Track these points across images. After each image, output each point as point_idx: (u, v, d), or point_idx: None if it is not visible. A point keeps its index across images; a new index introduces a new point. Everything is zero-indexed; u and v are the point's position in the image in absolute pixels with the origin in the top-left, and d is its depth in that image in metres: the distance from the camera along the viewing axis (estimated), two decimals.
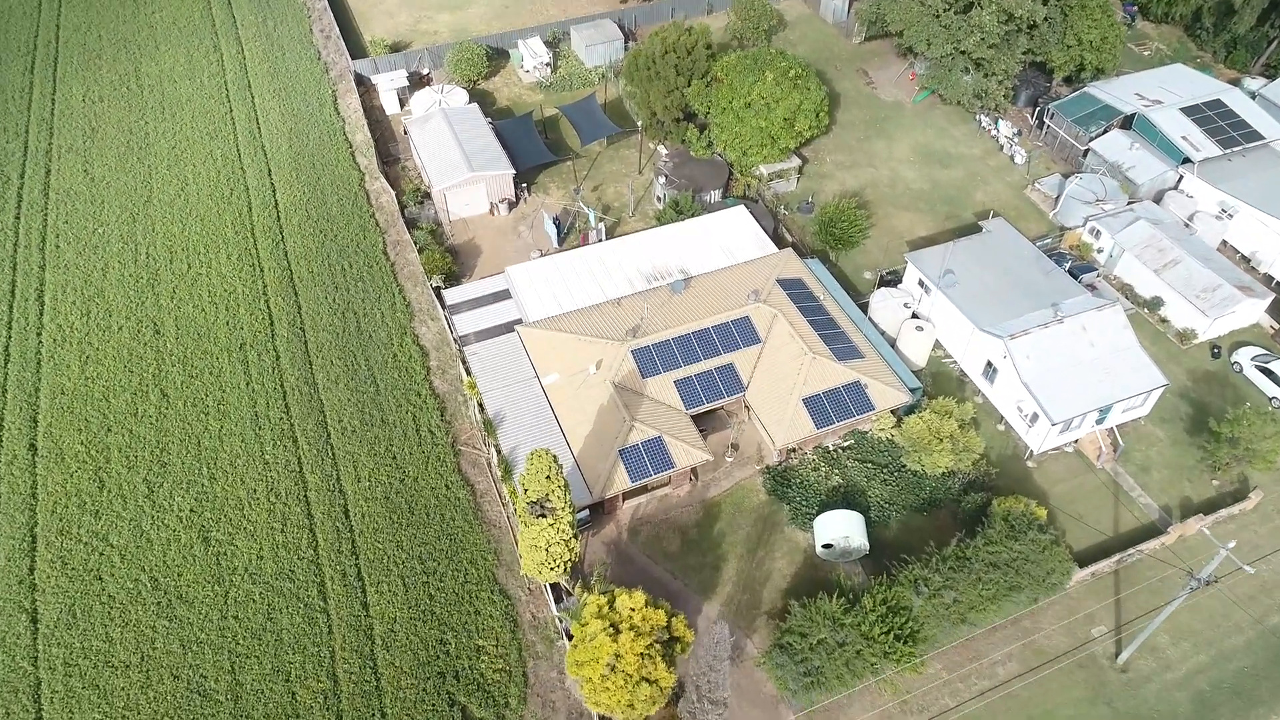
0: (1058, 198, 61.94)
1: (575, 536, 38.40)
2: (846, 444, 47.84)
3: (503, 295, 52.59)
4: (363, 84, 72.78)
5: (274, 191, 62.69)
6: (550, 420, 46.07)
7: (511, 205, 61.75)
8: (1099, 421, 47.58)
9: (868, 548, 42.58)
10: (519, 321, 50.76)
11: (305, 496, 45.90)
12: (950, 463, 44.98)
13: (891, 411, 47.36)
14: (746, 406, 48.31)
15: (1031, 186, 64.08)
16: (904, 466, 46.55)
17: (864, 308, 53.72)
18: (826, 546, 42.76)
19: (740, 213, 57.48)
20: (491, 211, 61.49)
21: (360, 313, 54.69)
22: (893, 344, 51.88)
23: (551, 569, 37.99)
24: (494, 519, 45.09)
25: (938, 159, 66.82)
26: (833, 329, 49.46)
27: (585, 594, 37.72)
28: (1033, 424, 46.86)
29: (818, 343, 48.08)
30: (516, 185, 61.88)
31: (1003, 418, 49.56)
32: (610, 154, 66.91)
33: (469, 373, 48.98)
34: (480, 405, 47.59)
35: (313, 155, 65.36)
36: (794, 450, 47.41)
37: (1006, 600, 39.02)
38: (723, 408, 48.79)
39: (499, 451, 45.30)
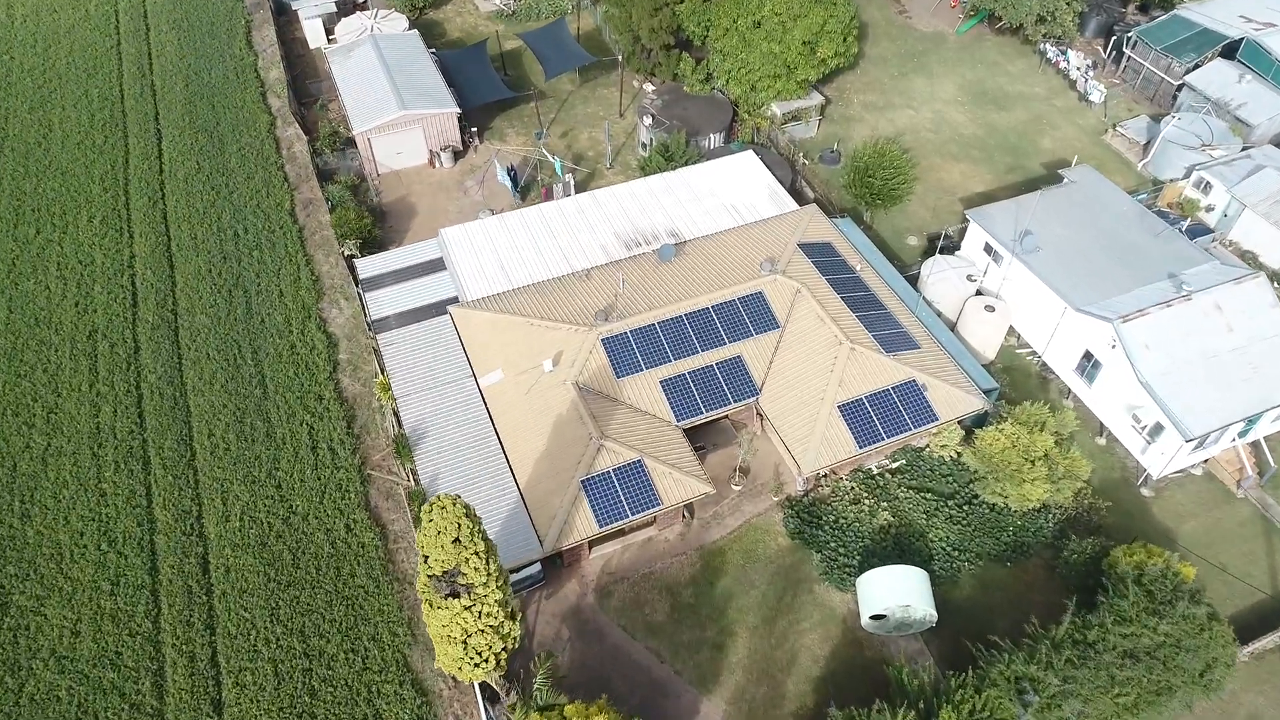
0: (1148, 144, 49.06)
1: (512, 616, 25.78)
2: (895, 465, 35.13)
3: (434, 266, 39.68)
4: (284, 13, 59.80)
5: (159, 140, 49.76)
6: (488, 437, 33.30)
7: (458, 155, 48.78)
8: (1241, 434, 34.88)
9: (935, 618, 29.94)
10: (454, 301, 37.90)
11: (151, 543, 33.15)
12: (1045, 494, 32.32)
13: (959, 423, 34.63)
14: (760, 415, 35.59)
15: (1112, 131, 51.13)
16: (977, 498, 33.89)
17: (912, 281, 40.90)
18: (877, 618, 30.11)
19: (749, 159, 44.52)
20: (432, 162, 48.51)
21: (253, 290, 41.83)
22: (951, 329, 39.13)
23: (475, 665, 25.33)
24: (410, 574, 32.39)
25: (992, 99, 53.86)
26: (876, 309, 36.65)
27: (520, 708, 25.12)
28: (1154, 438, 34.12)
29: (856, 328, 35.31)
30: (464, 130, 48.93)
31: (1103, 429, 36.84)
32: (584, 94, 53.88)
33: (383, 370, 36.14)
34: (396, 415, 34.81)
35: (213, 97, 52.37)
36: (825, 475, 34.76)
37: (1151, 709, 26.39)
38: (727, 417, 36.10)
39: (416, 481, 32.54)
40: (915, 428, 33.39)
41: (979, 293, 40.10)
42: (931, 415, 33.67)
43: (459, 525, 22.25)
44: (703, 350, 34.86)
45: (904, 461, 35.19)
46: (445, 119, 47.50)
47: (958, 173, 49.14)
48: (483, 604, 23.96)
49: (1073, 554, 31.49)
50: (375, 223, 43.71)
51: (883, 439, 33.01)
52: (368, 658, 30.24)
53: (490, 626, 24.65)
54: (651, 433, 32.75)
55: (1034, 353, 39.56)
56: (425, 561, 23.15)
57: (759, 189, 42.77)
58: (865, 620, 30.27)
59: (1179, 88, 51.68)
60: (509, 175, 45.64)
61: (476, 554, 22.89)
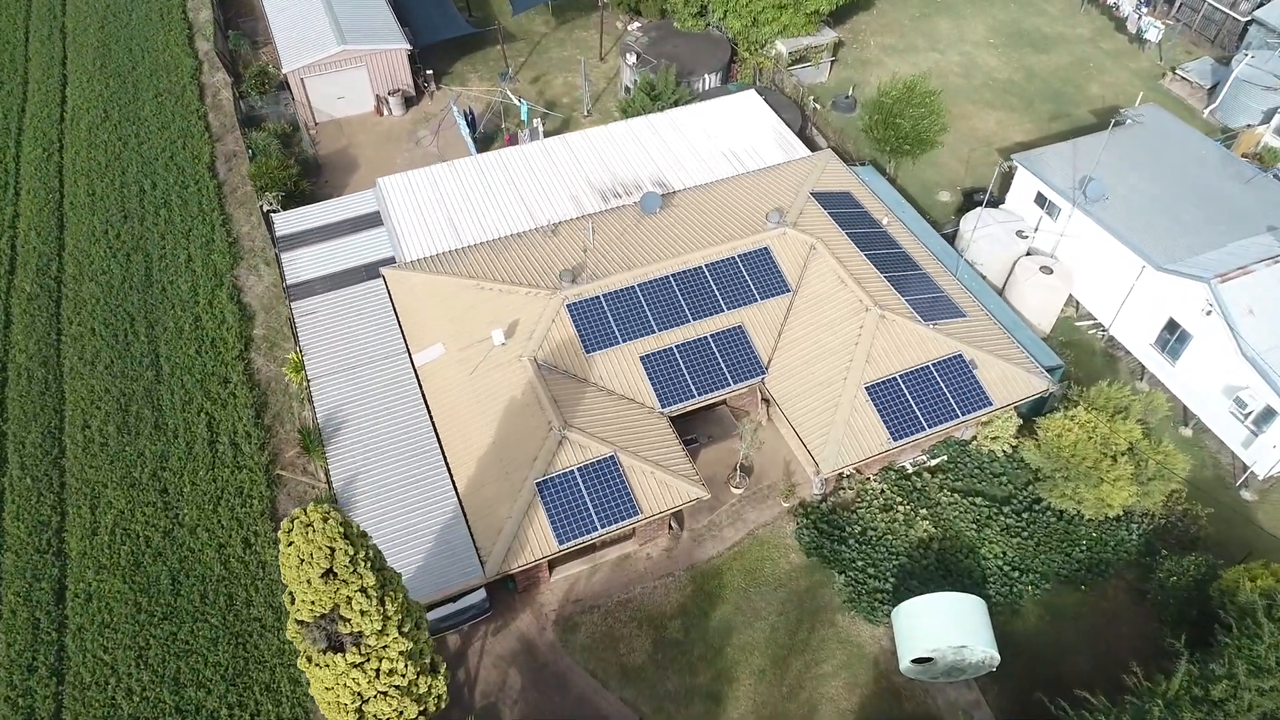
0: (1213, 89, 42.10)
1: (433, 669, 18.82)
2: (935, 462, 28.14)
3: (369, 221, 32.61)
4: None
5: (63, 85, 42.74)
6: (420, 428, 26.25)
7: (409, 102, 41.72)
8: None
9: (997, 660, 22.97)
10: (390, 262, 30.84)
11: None
12: (1130, 498, 25.36)
13: (1015, 410, 27.62)
14: (766, 400, 28.63)
15: (1171, 75, 44.11)
16: (1040, 503, 26.93)
17: (948, 240, 33.91)
18: (921, 661, 23.14)
19: (750, 99, 37.45)
20: (379, 110, 41.45)
21: (155, 254, 34.82)
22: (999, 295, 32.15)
23: None
24: None
25: (1029, 41, 46.84)
26: (909, 269, 29.65)
27: None
28: (1261, 427, 27.13)
29: (886, 291, 28.33)
30: (417, 73, 41.89)
31: (1189, 417, 29.86)
32: (559, 36, 46.83)
33: (298, 345, 29.08)
34: (310, 400, 27.77)
35: (131, 40, 45.37)
36: (848, 475, 27.78)
37: None
38: (725, 403, 29.14)
39: (329, 483, 25.52)
40: (963, 415, 26.38)
41: (1029, 254, 33.08)
42: (983, 399, 26.66)
43: (332, 551, 15.21)
44: (694, 319, 27.84)
45: (945, 458, 28.20)
46: (394, 58, 40.45)
47: (993, 121, 42.13)
48: (380, 657, 16.96)
49: (1170, 575, 24.48)
50: (303, 174, 36.59)
51: (923, 429, 26.01)
52: (259, 714, 23.22)
53: (395, 687, 17.66)
54: (629, 422, 25.74)
55: (1099, 325, 32.54)
56: (292, 602, 16.12)
57: (763, 132, 35.72)
58: (905, 664, 23.28)
59: (1246, 25, 44.67)
60: (465, 120, 38.59)
61: (363, 591, 15.86)
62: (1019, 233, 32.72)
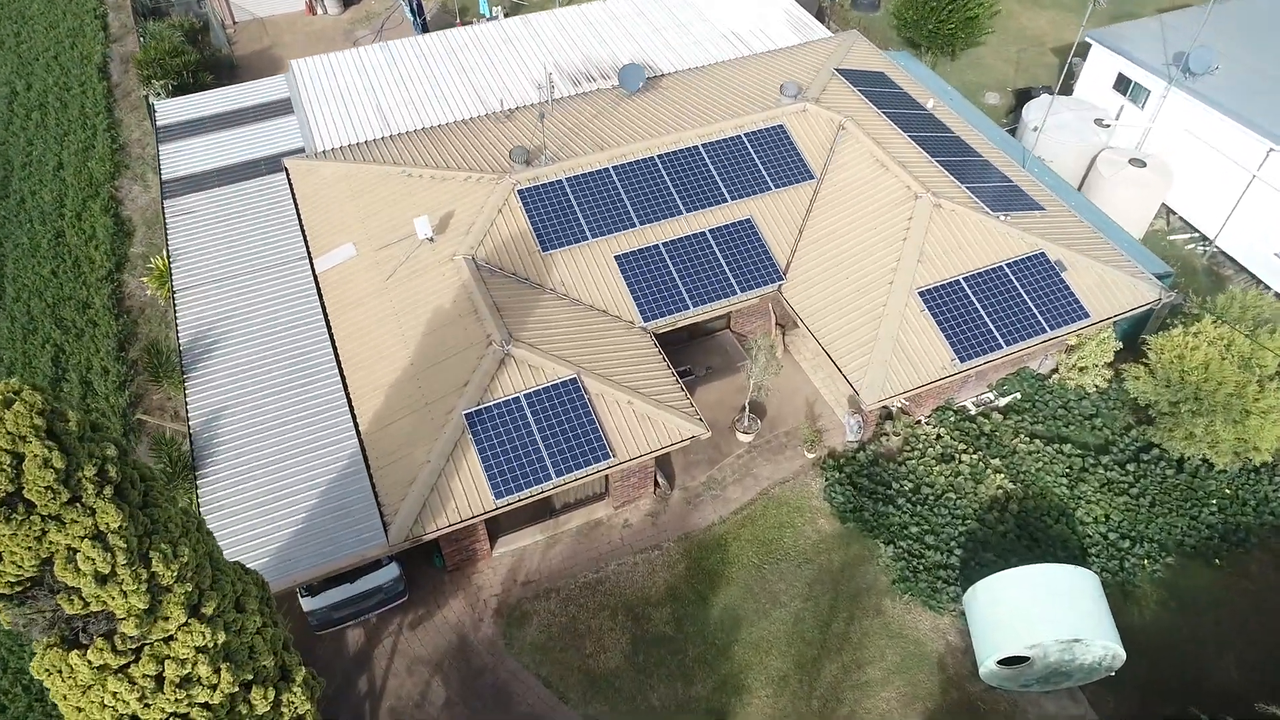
0: None
1: (286, 678, 11.97)
2: (1005, 400, 21.35)
3: (276, 109, 25.76)
4: None
5: None
6: (318, 348, 19.35)
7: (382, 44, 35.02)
8: None
9: (1121, 659, 16.11)
10: (300, 154, 23.98)
11: None
12: None
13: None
14: (780, 326, 21.85)
15: None
16: (1151, 450, 20.13)
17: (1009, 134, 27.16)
18: (1012, 662, 16.25)
19: None
20: (311, 6, 34.71)
21: (18, 161, 28.02)
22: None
23: None
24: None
25: None
26: (965, 154, 22.90)
27: None
28: None
29: (940, 176, 21.60)
30: None
31: None
32: None
33: (167, 251, 22.12)
34: (175, 318, 20.85)
35: None
36: (892, 416, 20.96)
37: None
38: (728, 323, 22.32)
39: (190, 431, 18.53)
40: (1052, 329, 19.54)
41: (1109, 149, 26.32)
42: (1077, 309, 19.82)
43: (18, 461, 8.31)
44: (688, 211, 21.03)
45: (1019, 395, 21.41)
46: None
47: (1044, 20, 35.46)
48: (160, 657, 10.09)
49: None
50: (210, 71, 29.71)
51: (999, 347, 19.16)
52: None
53: (201, 707, 10.78)
54: (599, 338, 18.90)
55: (1199, 238, 25.78)
56: None
57: (772, 12, 28.97)
58: (988, 667, 16.41)
59: None
60: (410, 9, 31.86)
61: (97, 537, 8.95)
62: (1098, 121, 25.94)
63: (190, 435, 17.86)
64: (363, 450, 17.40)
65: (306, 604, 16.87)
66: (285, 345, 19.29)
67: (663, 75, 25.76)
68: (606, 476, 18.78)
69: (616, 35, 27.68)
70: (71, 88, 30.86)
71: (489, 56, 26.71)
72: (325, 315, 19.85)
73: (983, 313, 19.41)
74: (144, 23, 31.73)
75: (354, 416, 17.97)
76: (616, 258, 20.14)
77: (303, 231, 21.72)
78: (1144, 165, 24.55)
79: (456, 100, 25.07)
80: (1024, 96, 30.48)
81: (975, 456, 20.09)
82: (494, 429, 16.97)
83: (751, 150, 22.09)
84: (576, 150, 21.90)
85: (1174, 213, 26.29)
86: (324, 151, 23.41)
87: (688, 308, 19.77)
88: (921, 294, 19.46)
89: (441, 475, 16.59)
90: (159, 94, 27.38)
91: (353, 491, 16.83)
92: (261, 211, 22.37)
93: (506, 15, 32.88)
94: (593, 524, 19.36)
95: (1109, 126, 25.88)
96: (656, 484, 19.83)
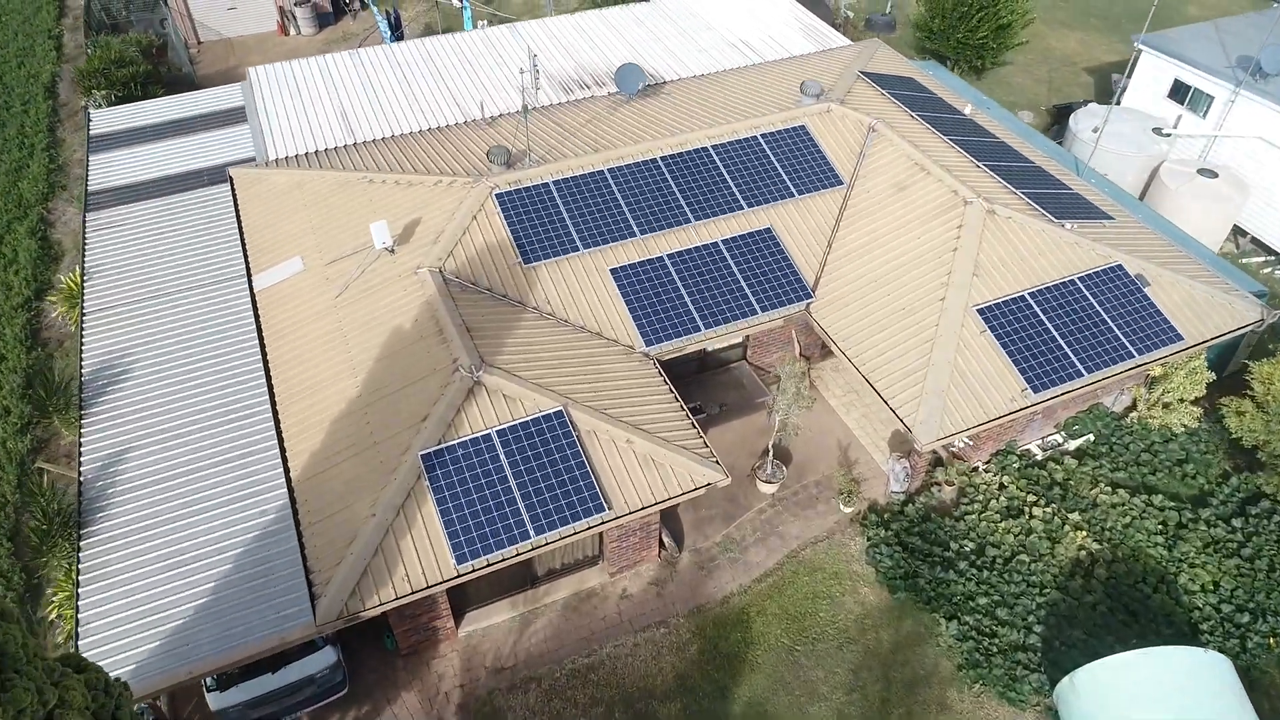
0: None
1: None
2: (1075, 443, 17.86)
3: (228, 118, 22.76)
4: None
5: None
6: (248, 377, 15.87)
7: (323, 17, 32.49)
8: None
9: None
10: (250, 163, 20.85)
11: None
12: None
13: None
14: (805, 357, 18.48)
15: None
16: (1261, 500, 16.58)
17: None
18: None
19: None
20: (284, 27, 32.18)
21: None
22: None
23: None
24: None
25: None
26: (1013, 159, 19.86)
27: None
28: None
29: (989, 181, 18.52)
30: None
31: None
32: None
33: (82, 268, 18.74)
34: (80, 344, 17.40)
35: None
36: (942, 462, 17.41)
37: None
38: (744, 346, 18.92)
39: (80, 478, 14.94)
40: (1140, 354, 16.18)
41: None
42: (1168, 331, 16.50)
43: None
44: (697, 218, 17.84)
45: (1090, 436, 17.96)
46: None
47: (1074, 41, 33.02)
48: None
49: None
50: (157, 79, 26.84)
51: (1078, 374, 15.77)
52: None
53: None
54: (592, 364, 15.50)
55: (1277, 260, 22.64)
56: None
57: (785, 22, 26.33)
58: None
59: None
60: (387, 23, 29.26)
61: None
62: (1157, 130, 23.02)
63: (80, 483, 14.29)
64: (293, 502, 13.83)
65: (214, 701, 13.12)
66: (209, 376, 15.85)
67: (665, 82, 22.92)
68: (600, 535, 15.20)
69: (612, 42, 24.93)
70: (14, 106, 28.02)
71: (470, 63, 23.88)
72: (261, 340, 16.45)
73: (1055, 334, 16.08)
74: (94, 35, 29.05)
75: (285, 461, 14.44)
76: (613, 271, 16.86)
77: (243, 246, 18.46)
78: (1215, 176, 21.52)
79: (432, 107, 22.13)
80: (1063, 114, 27.72)
81: (1049, 510, 16.53)
82: (458, 474, 13.44)
83: (770, 152, 19.02)
84: (566, 153, 18.84)
85: (1244, 233, 23.19)
86: (277, 160, 20.34)
87: (698, 329, 16.42)
88: (981, 312, 16.15)
89: (389, 533, 13.01)
90: (99, 104, 24.45)
91: (276, 555, 13.21)
92: (198, 225, 19.13)
93: (489, 22, 30.24)
94: (583, 595, 15.68)
95: (1169, 136, 22.95)
96: (662, 545, 16.22)
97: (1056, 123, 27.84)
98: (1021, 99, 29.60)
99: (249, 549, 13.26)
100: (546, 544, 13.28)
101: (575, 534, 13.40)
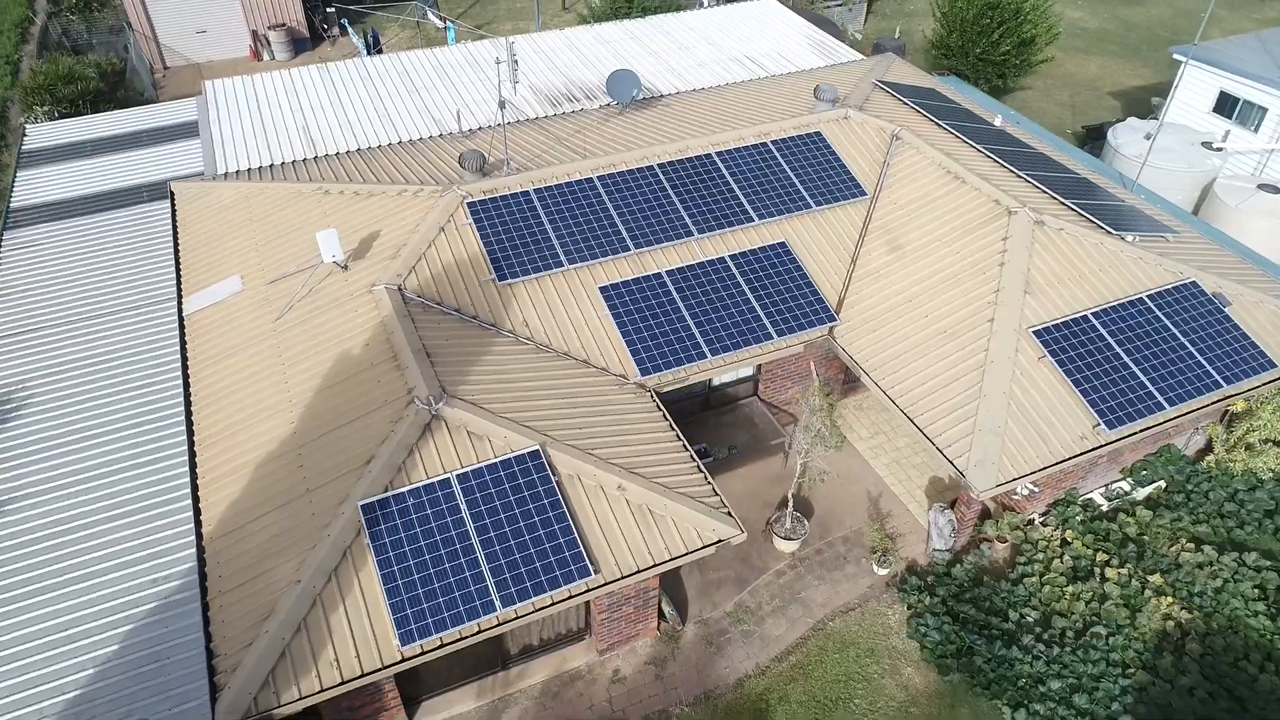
0: None
1: None
2: (1145, 491, 15.21)
3: (178, 133, 20.56)
4: None
5: None
6: (166, 414, 13.26)
7: (299, 42, 30.64)
8: None
9: None
10: (197, 178, 18.53)
11: None
12: None
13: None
14: (821, 386, 15.89)
15: None
16: None
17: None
18: None
19: (770, 7, 26.34)
20: (256, 52, 30.28)
21: None
22: None
23: None
24: None
25: None
26: (1055, 169, 17.62)
27: None
28: None
29: (1031, 190, 16.22)
30: (316, 7, 31.06)
31: None
32: None
33: None
34: None
35: None
36: (989, 514, 14.72)
37: None
38: (755, 381, 16.32)
39: None
40: (1228, 383, 13.65)
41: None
42: (1258, 357, 14.01)
43: None
44: (700, 232, 15.45)
45: (1161, 483, 15.34)
46: None
47: (1094, 67, 31.24)
48: None
49: None
50: (112, 100, 24.75)
51: (1160, 407, 13.22)
52: None
53: None
54: (575, 396, 12.94)
55: None
56: None
57: (793, 38, 24.41)
58: None
59: None
60: (365, 43, 27.36)
61: None
62: (1207, 145, 20.87)
63: None
64: (201, 565, 11.12)
65: None
66: (118, 412, 13.23)
67: (663, 95, 20.81)
68: (587, 605, 12.47)
69: (604, 56, 22.91)
70: None
71: (447, 76, 21.80)
72: (185, 371, 13.89)
73: (1128, 360, 13.58)
74: (48, 55, 27.06)
75: (198, 514, 11.76)
76: (603, 290, 14.41)
77: (177, 265, 16.02)
78: (1277, 191, 19.28)
79: (404, 119, 19.94)
80: (1093, 134, 25.69)
81: (1124, 571, 13.82)
82: (407, 529, 10.78)
83: (782, 161, 16.74)
84: (550, 160, 16.56)
85: None
86: (227, 174, 18.05)
87: (704, 356, 13.90)
88: (1038, 334, 13.67)
89: (317, 605, 10.30)
90: (38, 120, 22.28)
91: (174, 632, 10.46)
92: (128, 244, 16.71)
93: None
94: (566, 678, 12.85)
95: (1221, 150, 20.78)
96: (661, 616, 13.46)
97: (1086, 144, 25.79)
98: (1045, 123, 27.61)
99: (141, 625, 10.51)
100: (518, 617, 10.56)
101: (554, 604, 10.69)
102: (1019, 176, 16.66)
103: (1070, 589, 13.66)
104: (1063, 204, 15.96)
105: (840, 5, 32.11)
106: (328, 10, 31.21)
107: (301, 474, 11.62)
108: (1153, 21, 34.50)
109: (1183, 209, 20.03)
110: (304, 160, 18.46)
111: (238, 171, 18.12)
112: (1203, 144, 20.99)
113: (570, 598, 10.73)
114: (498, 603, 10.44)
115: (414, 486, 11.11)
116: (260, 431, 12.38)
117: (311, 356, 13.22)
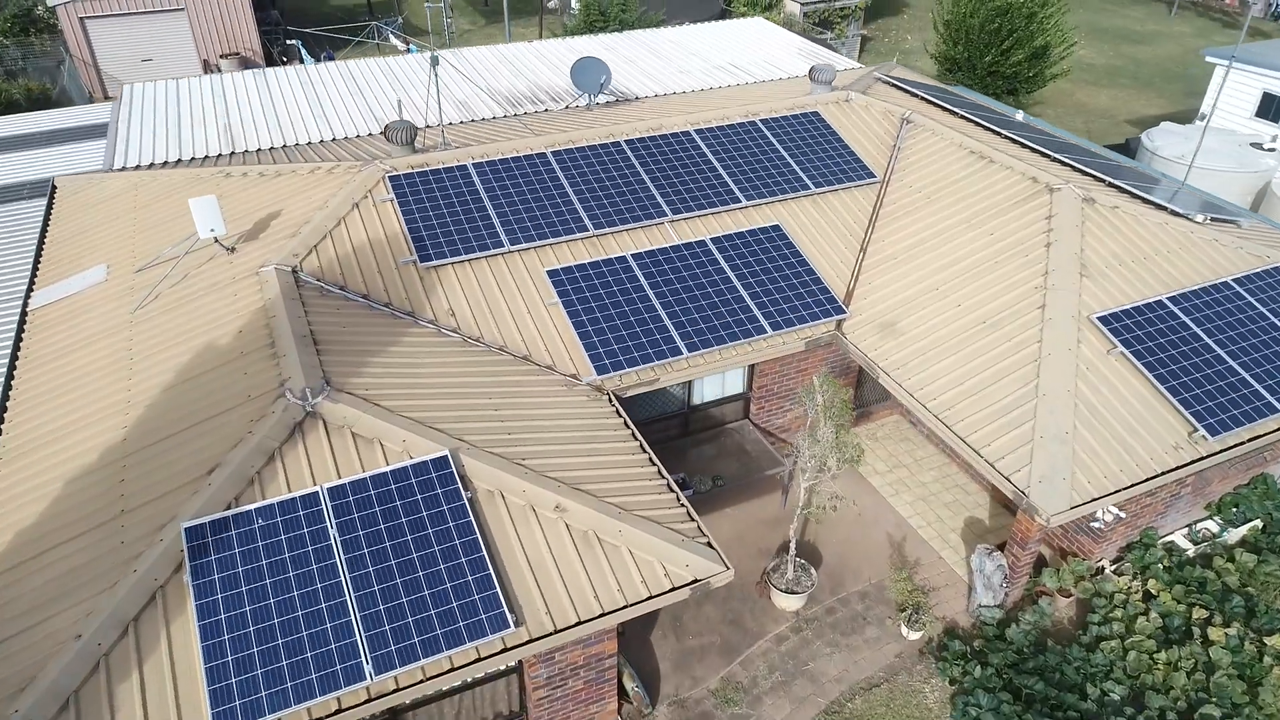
0: None
1: None
2: (1239, 532, 12.00)
3: (82, 134, 18.06)
4: None
5: None
6: None
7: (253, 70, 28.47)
8: None
9: None
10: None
11: None
12: None
13: None
14: (831, 385, 12.83)
15: None
16: None
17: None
18: None
19: (758, 24, 24.30)
20: None
21: None
22: None
23: None
24: None
25: (1118, 36, 35.44)
26: (1093, 155, 15.04)
27: None
28: None
29: (1069, 171, 13.51)
30: (273, 35, 29.13)
31: None
32: (489, 32, 34.90)
33: None
34: None
35: None
36: (1045, 562, 11.47)
37: None
38: (745, 399, 13.22)
39: None
40: None
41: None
42: None
43: None
44: (675, 214, 12.65)
45: (1258, 522, 12.16)
46: (231, 2, 27.69)
47: (1106, 98, 29.25)
48: None
49: None
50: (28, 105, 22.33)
51: (1272, 409, 10.17)
52: None
53: None
54: (509, 396, 9.88)
55: None
56: None
57: (782, 48, 22.23)
58: None
59: None
60: (315, 60, 25.18)
61: None
62: (1257, 145, 18.40)
63: None
64: None
65: None
66: None
67: (637, 98, 18.39)
68: (519, 677, 9.12)
69: (573, 62, 20.60)
70: None
71: (400, 83, 19.42)
72: (10, 373, 10.84)
73: (1222, 354, 10.61)
74: None
75: None
76: (552, 274, 11.50)
77: (36, 259, 13.13)
78: None
79: (341, 117, 17.41)
80: (1120, 149, 23.35)
81: (1231, 632, 10.54)
82: (248, 561, 7.57)
83: (774, 140, 14.10)
84: (496, 139, 13.91)
85: None
86: (125, 168, 15.36)
87: (679, 353, 10.89)
88: (1104, 321, 10.73)
89: (101, 670, 7.01)
90: None
91: None
92: None
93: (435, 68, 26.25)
94: None
95: (1273, 149, 18.29)
96: (623, 693, 10.06)
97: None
98: None
99: None
100: (398, 689, 7.26)
101: (454, 669, 7.41)
102: (1053, 159, 14.01)
103: (1163, 655, 10.35)
104: (1110, 184, 13.26)
105: (834, 38, 30.29)
106: (288, 42, 29.25)
107: (120, 490, 8.46)
108: (1162, 58, 32.80)
109: (1244, 208, 17.44)
110: (220, 155, 15.83)
111: (137, 166, 15.45)
112: (1252, 145, 18.56)
113: (478, 659, 7.45)
114: (369, 668, 7.16)
115: (266, 504, 7.95)
116: (82, 439, 9.26)
117: (169, 349, 10.20)
